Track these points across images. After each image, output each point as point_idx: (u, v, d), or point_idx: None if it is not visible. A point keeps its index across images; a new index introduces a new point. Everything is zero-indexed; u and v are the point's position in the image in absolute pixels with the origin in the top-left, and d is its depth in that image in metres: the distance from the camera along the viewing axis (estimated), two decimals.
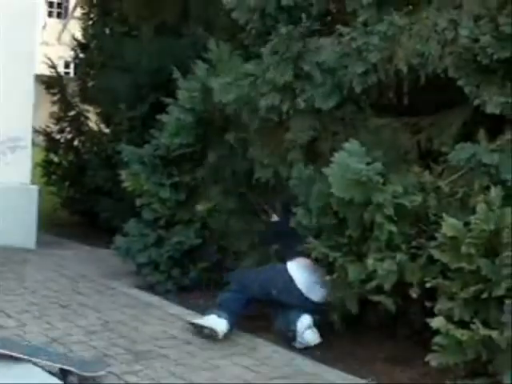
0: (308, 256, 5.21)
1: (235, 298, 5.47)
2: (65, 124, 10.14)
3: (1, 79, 7.80)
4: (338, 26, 5.20)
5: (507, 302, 3.97)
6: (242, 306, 5.47)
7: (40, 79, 9.60)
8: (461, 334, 4.05)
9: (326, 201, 4.95)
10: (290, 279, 5.38)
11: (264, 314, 5.61)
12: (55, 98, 10.12)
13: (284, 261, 5.57)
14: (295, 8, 5.51)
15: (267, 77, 5.28)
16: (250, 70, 5.53)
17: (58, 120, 10.13)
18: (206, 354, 5.10)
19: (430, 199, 4.65)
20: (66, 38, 12.27)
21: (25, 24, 8.04)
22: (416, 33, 4.79)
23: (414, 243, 4.63)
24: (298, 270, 5.41)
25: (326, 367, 4.98)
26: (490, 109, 4.47)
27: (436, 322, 4.16)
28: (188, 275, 6.64)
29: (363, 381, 4.79)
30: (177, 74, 6.62)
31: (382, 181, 4.64)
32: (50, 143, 10.25)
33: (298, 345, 5.32)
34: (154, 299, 6.38)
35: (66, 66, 20.47)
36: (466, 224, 4.21)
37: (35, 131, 9.15)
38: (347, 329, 5.29)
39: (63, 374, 4.43)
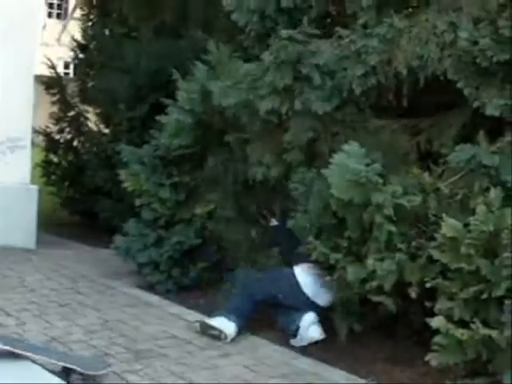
0: (311, 261, 5.24)
1: (244, 301, 5.49)
2: (64, 124, 10.17)
3: (1, 79, 7.82)
4: (338, 29, 5.21)
5: (507, 302, 3.98)
6: (250, 309, 5.50)
7: (40, 80, 9.63)
8: (461, 333, 4.06)
9: (326, 202, 4.97)
10: (297, 284, 5.41)
11: (264, 314, 5.61)
12: (55, 99, 10.15)
13: (288, 265, 5.60)
14: (295, 10, 5.52)
15: (267, 79, 5.28)
16: (250, 72, 5.53)
17: (58, 120, 10.15)
18: (205, 354, 5.12)
19: (429, 200, 4.66)
20: (66, 38, 12.28)
21: (25, 25, 8.06)
22: (415, 35, 4.81)
23: (413, 243, 4.64)
24: (304, 275, 5.44)
25: (326, 367, 5.00)
26: (490, 111, 4.49)
27: (436, 322, 4.17)
28: (188, 275, 6.66)
29: (363, 380, 4.81)
30: (176, 76, 6.64)
31: (381, 181, 4.65)
32: (50, 143, 10.27)
33: (298, 342, 5.35)
34: (154, 299, 6.40)
35: (66, 66, 20.51)
36: (466, 225, 4.22)
37: (35, 131, 9.17)
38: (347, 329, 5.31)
39: (66, 372, 4.44)
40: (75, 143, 10.22)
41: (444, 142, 4.90)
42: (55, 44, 26.43)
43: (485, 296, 4.09)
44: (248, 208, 6.41)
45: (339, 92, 5.12)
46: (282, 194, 5.78)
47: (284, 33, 5.25)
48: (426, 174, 4.80)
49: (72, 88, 10.43)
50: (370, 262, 4.65)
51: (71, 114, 10.16)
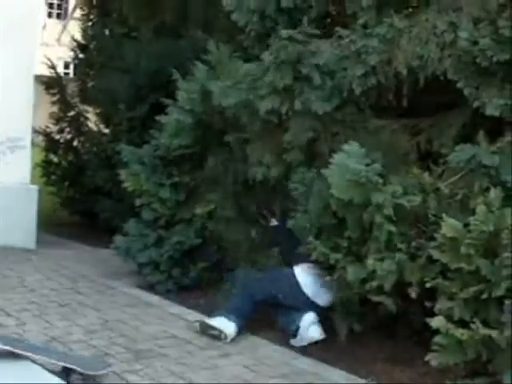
0: (311, 261, 5.24)
1: (244, 301, 5.49)
2: (64, 124, 10.18)
3: (1, 79, 7.82)
4: (338, 29, 5.21)
5: (507, 301, 3.98)
6: (250, 309, 5.50)
7: (40, 80, 9.63)
8: (461, 333, 4.06)
9: (326, 202, 4.97)
10: (297, 284, 5.41)
11: (264, 314, 5.61)
12: (55, 99, 10.15)
13: (288, 265, 5.60)
14: (295, 10, 5.52)
15: (267, 79, 5.28)
16: (250, 72, 5.53)
17: (58, 120, 10.15)
18: (205, 354, 5.13)
19: (429, 200, 4.66)
20: (66, 38, 12.28)
21: (25, 25, 8.06)
22: (415, 35, 4.81)
23: (413, 244, 4.64)
24: (304, 275, 5.44)
25: (326, 367, 5.00)
26: (490, 111, 4.49)
27: (436, 322, 4.17)
28: (188, 275, 6.66)
29: (363, 380, 4.81)
30: (176, 76, 6.64)
31: (381, 181, 4.65)
32: (50, 143, 10.28)
33: (298, 342, 5.35)
34: (154, 299, 6.40)
35: (66, 66, 20.52)
36: (466, 225, 4.22)
37: (35, 131, 9.18)
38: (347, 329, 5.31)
39: (66, 372, 4.44)
40: (75, 143, 10.23)
41: (444, 141, 4.91)
42: (55, 44, 26.44)
43: (485, 296, 4.09)
44: (248, 208, 6.41)
45: (339, 92, 5.12)
46: (282, 194, 5.78)
47: (284, 33, 5.25)
48: (426, 174, 4.80)
49: (72, 88, 10.44)
50: (369, 261, 4.65)
51: (71, 113, 10.17)
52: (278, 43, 5.23)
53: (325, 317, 5.37)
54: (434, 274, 4.42)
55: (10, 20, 7.84)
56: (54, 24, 31.83)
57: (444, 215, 4.36)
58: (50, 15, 34.27)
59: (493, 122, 4.60)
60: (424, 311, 4.41)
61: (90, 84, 10.10)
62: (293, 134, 5.40)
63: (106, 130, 10.01)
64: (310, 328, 5.35)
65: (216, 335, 5.38)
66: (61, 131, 10.20)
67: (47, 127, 10.23)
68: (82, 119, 10.17)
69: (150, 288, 6.62)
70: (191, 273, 6.65)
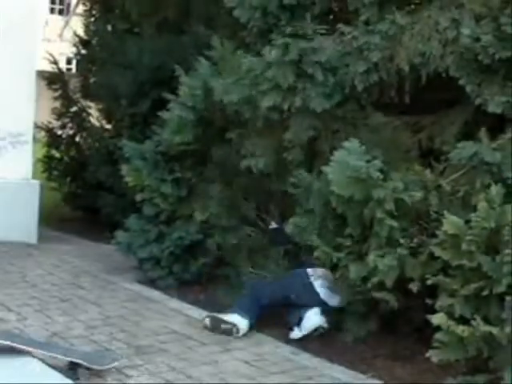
0: (314, 265, 5.26)
1: (251, 304, 5.50)
2: (66, 120, 10.17)
3: (2, 75, 7.83)
4: (340, 25, 5.21)
5: (508, 298, 3.99)
6: (257, 312, 5.50)
7: (42, 75, 9.62)
8: (461, 330, 4.06)
9: (327, 200, 4.97)
10: (310, 283, 5.45)
11: (270, 312, 5.59)
12: (57, 94, 10.15)
13: (299, 267, 5.62)
14: (297, 6, 5.52)
15: (268, 74, 5.28)
16: (252, 67, 5.52)
17: (60, 116, 10.15)
18: (206, 349, 5.13)
19: (431, 197, 4.67)
20: (68, 34, 12.26)
21: (26, 22, 8.08)
22: (417, 32, 4.82)
23: (415, 240, 4.65)
24: (317, 276, 5.46)
25: (327, 363, 5.00)
26: (492, 108, 4.50)
27: (437, 319, 4.18)
28: (189, 270, 6.65)
29: (364, 376, 4.82)
30: (179, 71, 6.63)
31: (382, 177, 4.66)
32: (52, 139, 10.28)
33: (297, 334, 5.35)
34: (155, 294, 6.40)
35: (68, 62, 20.53)
36: (467, 222, 4.23)
37: (37, 127, 9.18)
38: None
39: (72, 367, 4.43)
40: (77, 139, 10.22)
41: (446, 139, 4.91)
42: (57, 39, 26.42)
43: (486, 293, 4.10)
44: (247, 211, 6.43)
45: (341, 88, 5.14)
46: (282, 195, 5.79)
47: (287, 29, 5.25)
48: (428, 171, 4.81)
49: (74, 83, 10.43)
50: (371, 257, 4.66)
51: (73, 109, 10.17)
52: (281, 40, 5.23)
53: (336, 318, 5.37)
54: (435, 271, 4.42)
55: (11, 17, 7.85)
56: (57, 19, 31.83)
57: (445, 212, 4.36)
58: (52, 11, 34.31)
59: (494, 119, 4.61)
60: (425, 308, 4.40)
61: (92, 80, 10.10)
62: (293, 133, 5.41)
63: (108, 126, 10.01)
64: (313, 317, 5.35)
65: (228, 329, 5.37)
66: (63, 127, 10.20)
67: (49, 122, 10.23)
68: (84, 115, 10.16)
69: (151, 283, 6.62)
70: (192, 268, 6.65)
